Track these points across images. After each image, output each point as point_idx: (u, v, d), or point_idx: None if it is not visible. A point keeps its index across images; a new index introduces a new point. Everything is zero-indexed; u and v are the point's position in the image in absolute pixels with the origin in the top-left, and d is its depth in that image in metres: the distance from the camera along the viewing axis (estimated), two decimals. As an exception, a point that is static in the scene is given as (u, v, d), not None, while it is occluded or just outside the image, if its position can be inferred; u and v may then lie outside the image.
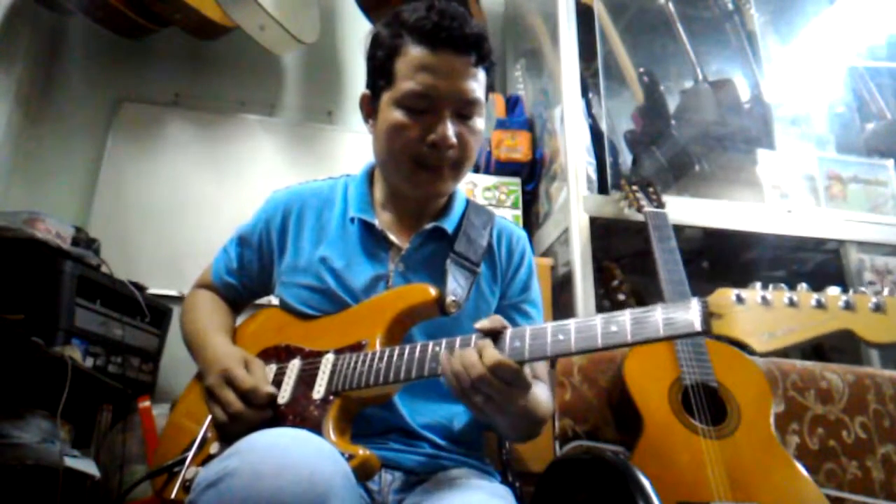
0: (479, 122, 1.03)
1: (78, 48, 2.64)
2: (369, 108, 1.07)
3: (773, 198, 2.10)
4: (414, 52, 0.98)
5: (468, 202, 1.16)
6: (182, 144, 2.60)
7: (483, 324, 0.82)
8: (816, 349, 2.11)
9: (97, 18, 2.38)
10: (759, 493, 1.05)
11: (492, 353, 0.77)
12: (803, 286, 0.70)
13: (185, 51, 2.69)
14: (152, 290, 2.14)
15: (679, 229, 1.70)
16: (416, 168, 1.01)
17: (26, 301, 1.65)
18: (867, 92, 2.54)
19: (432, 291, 0.94)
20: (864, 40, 2.64)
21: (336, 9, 2.94)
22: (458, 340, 0.84)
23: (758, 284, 0.72)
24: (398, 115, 0.99)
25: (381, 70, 1.02)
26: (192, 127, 2.63)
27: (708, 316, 0.71)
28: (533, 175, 2.32)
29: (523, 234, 1.18)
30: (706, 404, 1.16)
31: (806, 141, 2.35)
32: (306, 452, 0.69)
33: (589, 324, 0.77)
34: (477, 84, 1.00)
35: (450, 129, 0.98)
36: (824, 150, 2.33)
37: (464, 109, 1.00)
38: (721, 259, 2.11)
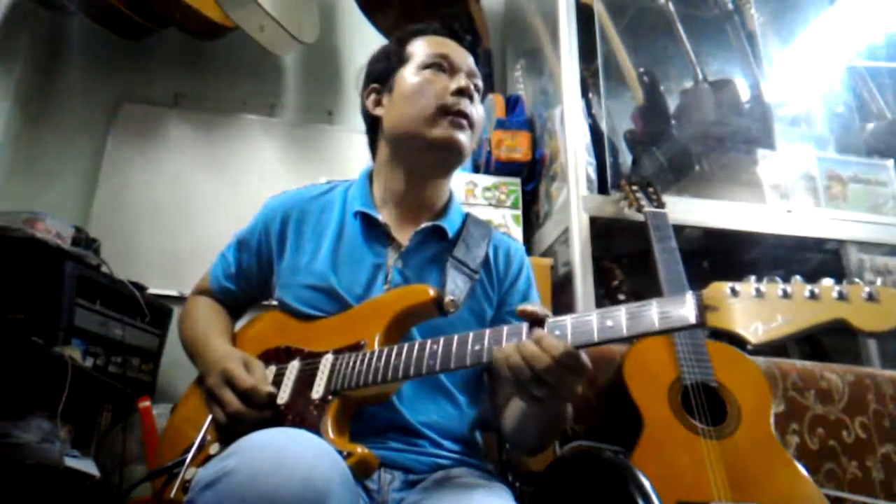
0: (480, 109, 1.14)
1: (78, 48, 2.63)
2: (378, 96, 1.17)
3: (773, 198, 2.10)
4: (424, 36, 1.16)
5: (468, 215, 1.19)
6: (182, 144, 2.60)
7: (525, 307, 0.82)
8: (817, 349, 2.11)
9: (97, 18, 2.38)
10: (759, 493, 1.05)
11: (553, 343, 0.76)
12: (797, 278, 0.71)
13: (185, 51, 2.68)
14: (152, 290, 2.14)
15: (679, 229, 1.70)
16: (441, 115, 1.08)
17: (26, 301, 1.65)
18: (867, 92, 2.54)
19: (431, 291, 0.95)
20: (864, 40, 2.63)
21: (336, 9, 2.94)
22: (504, 331, 0.83)
23: (752, 277, 0.73)
24: (424, 75, 1.10)
25: (395, 54, 1.15)
26: (191, 127, 2.63)
27: (703, 309, 0.72)
28: (533, 175, 2.32)
29: (521, 247, 1.22)
30: (706, 404, 1.17)
31: (806, 141, 2.34)
32: (304, 452, 0.69)
33: (585, 319, 0.78)
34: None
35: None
36: (824, 150, 2.33)
37: (473, 80, 1.12)
38: (721, 259, 2.11)
